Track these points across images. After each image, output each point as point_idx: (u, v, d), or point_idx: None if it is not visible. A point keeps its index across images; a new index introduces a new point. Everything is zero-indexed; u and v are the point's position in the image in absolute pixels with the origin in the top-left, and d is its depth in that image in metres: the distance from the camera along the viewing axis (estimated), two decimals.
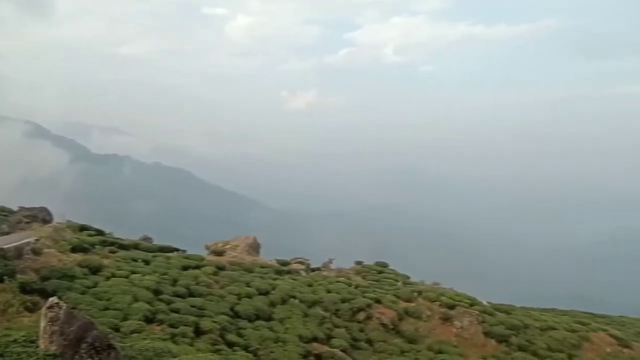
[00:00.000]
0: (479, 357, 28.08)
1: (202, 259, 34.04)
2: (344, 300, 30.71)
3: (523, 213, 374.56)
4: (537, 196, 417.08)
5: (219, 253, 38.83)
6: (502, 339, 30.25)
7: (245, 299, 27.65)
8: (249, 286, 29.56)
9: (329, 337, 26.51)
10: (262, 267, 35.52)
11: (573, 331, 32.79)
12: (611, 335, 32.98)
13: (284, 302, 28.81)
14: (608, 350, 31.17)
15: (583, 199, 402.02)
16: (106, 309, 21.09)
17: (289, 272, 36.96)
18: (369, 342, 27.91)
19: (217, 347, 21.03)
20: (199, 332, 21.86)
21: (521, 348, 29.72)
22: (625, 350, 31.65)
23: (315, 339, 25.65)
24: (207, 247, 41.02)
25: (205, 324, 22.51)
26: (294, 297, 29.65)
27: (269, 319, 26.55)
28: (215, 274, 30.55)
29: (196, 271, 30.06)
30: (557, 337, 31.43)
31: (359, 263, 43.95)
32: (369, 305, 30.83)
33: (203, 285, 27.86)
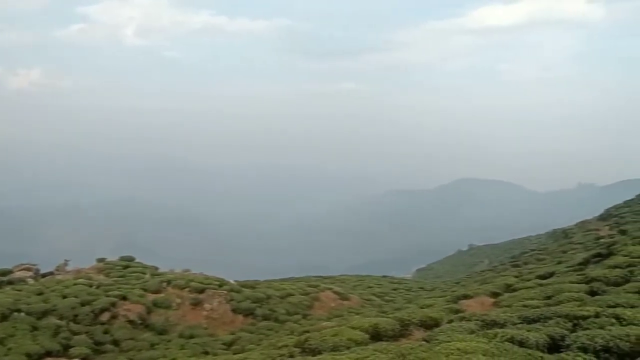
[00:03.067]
0: (229, 334, 29.66)
1: None
2: (83, 304, 28.08)
3: (262, 198, 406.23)
4: (269, 183, 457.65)
5: None
6: (248, 313, 32.61)
7: None
8: None
9: (67, 347, 23.94)
10: None
11: (306, 294, 37.74)
12: (335, 292, 39.30)
13: (4, 318, 24.61)
14: (332, 305, 37.06)
15: (306, 183, 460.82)
16: None
17: (10, 282, 31.54)
18: (115, 342, 26.33)
19: None
20: None
21: (265, 317, 32.66)
22: (345, 302, 38.19)
23: (48, 354, 22.80)
24: None
25: None
26: (18, 310, 25.59)
27: None
28: None
29: None
30: (294, 301, 35.69)
31: (101, 260, 40.60)
32: (113, 304, 28.97)
33: None
